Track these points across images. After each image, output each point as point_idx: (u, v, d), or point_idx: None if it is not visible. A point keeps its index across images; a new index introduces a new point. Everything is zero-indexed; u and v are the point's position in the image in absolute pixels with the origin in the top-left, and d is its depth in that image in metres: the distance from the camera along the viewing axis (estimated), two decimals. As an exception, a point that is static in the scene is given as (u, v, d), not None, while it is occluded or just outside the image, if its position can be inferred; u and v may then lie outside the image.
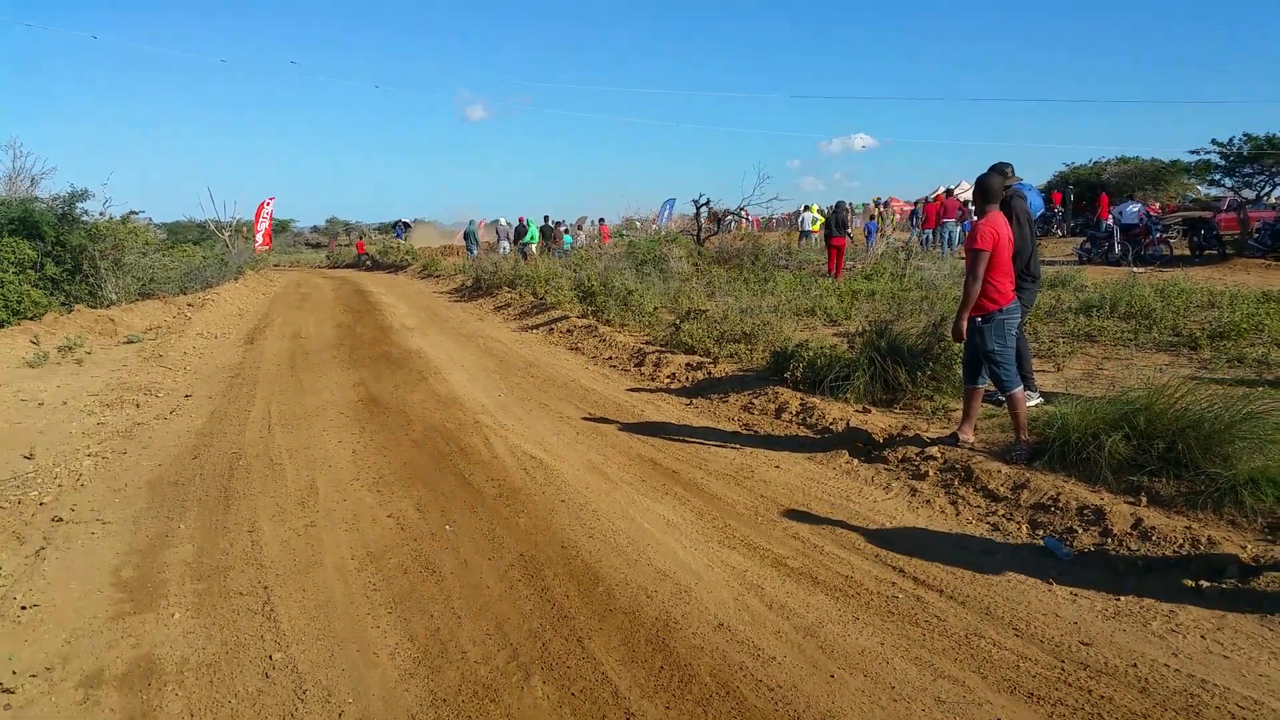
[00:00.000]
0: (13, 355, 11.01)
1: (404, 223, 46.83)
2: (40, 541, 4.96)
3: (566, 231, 32.83)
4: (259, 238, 31.70)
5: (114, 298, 15.67)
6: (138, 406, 8.53)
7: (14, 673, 3.50)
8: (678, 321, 10.64)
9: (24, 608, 4.11)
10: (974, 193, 5.51)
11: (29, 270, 13.98)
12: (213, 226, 30.48)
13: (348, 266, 38.28)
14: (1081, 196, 28.97)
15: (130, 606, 4.11)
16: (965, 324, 5.30)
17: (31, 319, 13.17)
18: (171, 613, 4.01)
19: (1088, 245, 18.00)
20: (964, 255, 5.44)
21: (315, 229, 68.35)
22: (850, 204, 19.21)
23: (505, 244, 27.81)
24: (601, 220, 37.16)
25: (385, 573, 4.33)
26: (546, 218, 29.01)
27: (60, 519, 5.33)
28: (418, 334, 13.37)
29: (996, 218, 5.24)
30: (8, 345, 11.50)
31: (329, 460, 6.38)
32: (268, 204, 32.39)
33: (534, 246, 26.81)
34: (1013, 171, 6.17)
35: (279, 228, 47.49)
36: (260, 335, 14.09)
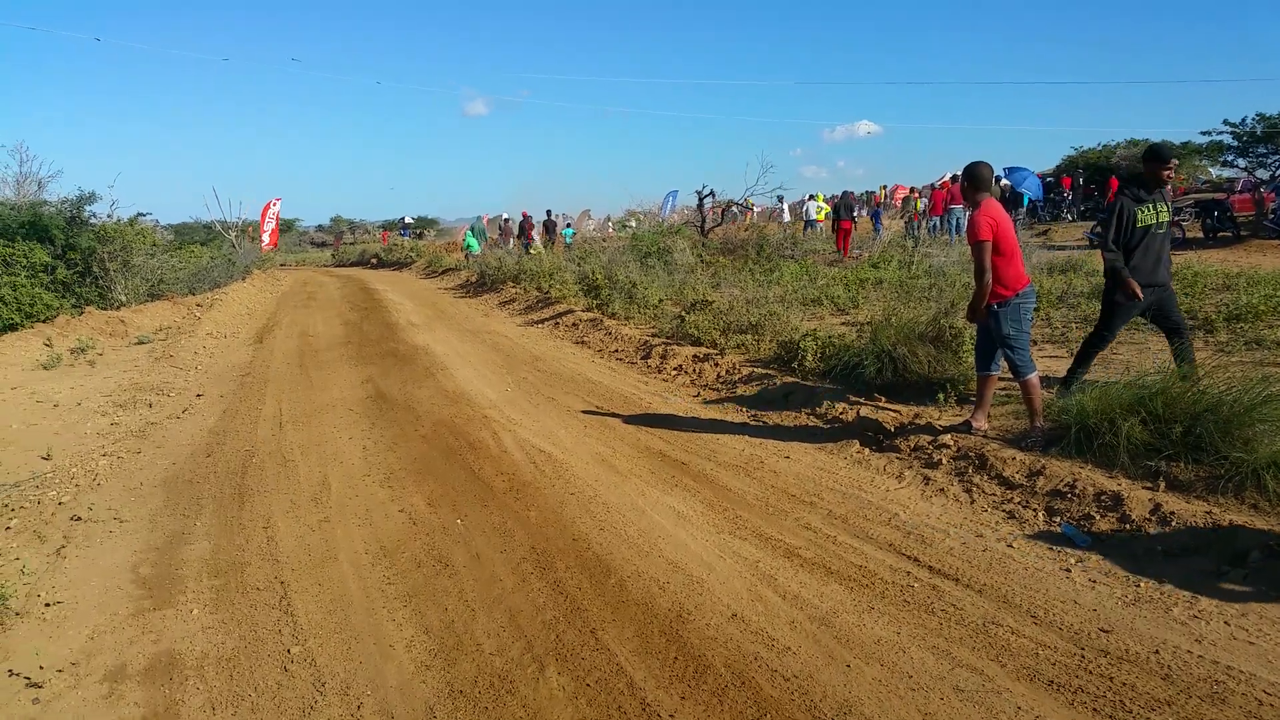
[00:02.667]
0: (27, 358, 11.13)
1: (407, 222, 47.13)
2: (60, 540, 5.03)
3: (569, 225, 32.73)
4: (265, 238, 31.73)
5: (124, 299, 15.77)
6: (150, 406, 8.59)
7: (41, 668, 3.57)
8: (683, 313, 10.64)
9: (48, 605, 4.18)
10: (963, 183, 5.43)
11: (41, 274, 14.06)
12: (219, 227, 30.58)
13: (354, 264, 38.41)
14: (1090, 180, 28.78)
15: (150, 603, 4.17)
16: (983, 311, 5.25)
17: (44, 321, 13.29)
18: (190, 608, 4.07)
19: (1099, 229, 17.72)
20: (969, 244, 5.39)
21: (320, 228, 68.51)
22: (854, 193, 19.25)
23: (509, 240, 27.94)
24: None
25: (399, 567, 4.37)
26: (549, 212, 28.93)
27: (79, 518, 5.40)
28: (424, 330, 13.42)
29: (991, 206, 5.19)
30: (22, 348, 11.64)
31: (340, 456, 6.44)
32: (274, 204, 32.38)
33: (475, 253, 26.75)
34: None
35: (284, 227, 47.47)
36: (269, 334, 14.15)
